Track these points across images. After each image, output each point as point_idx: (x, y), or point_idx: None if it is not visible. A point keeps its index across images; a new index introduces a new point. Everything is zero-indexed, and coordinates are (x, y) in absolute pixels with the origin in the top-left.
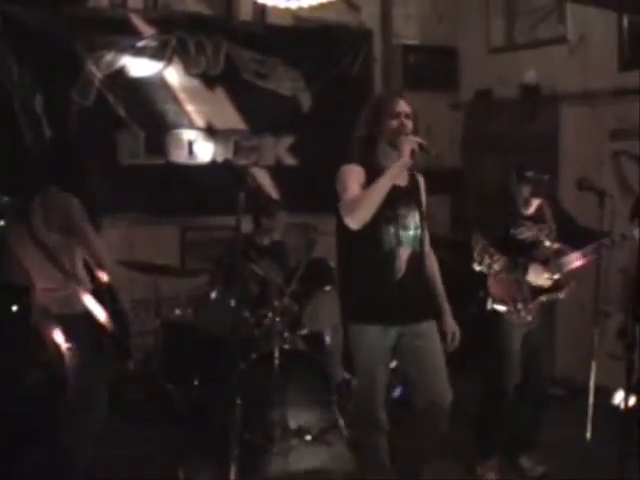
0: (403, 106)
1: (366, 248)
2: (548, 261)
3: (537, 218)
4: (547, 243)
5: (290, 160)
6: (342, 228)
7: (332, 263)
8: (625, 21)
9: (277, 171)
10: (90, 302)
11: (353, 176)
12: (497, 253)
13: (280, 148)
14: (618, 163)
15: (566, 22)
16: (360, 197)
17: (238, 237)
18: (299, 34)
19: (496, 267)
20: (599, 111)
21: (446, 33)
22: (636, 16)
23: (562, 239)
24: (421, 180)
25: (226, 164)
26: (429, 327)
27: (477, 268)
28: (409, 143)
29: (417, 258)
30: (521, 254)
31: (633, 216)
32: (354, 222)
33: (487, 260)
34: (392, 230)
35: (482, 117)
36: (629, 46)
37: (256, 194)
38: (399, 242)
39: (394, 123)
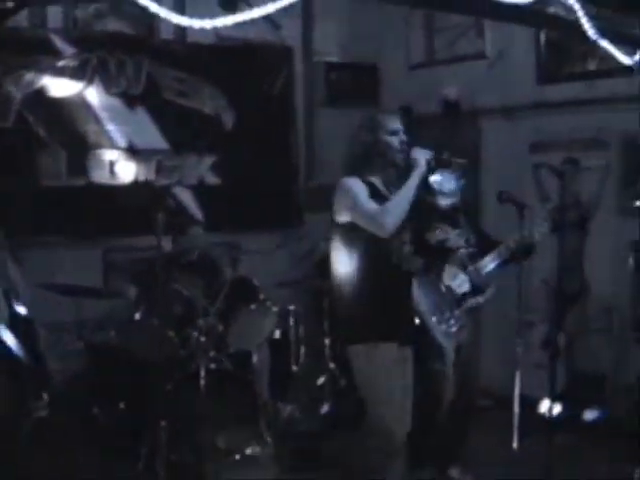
0: (398, 122)
1: (376, 265)
2: (465, 267)
3: (453, 222)
4: (463, 250)
5: (213, 179)
6: (344, 247)
7: (256, 281)
8: (542, 36)
9: (200, 190)
10: (5, 333)
11: (360, 189)
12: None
13: (203, 167)
14: (538, 175)
15: (484, 37)
16: (390, 207)
17: (159, 257)
18: (221, 52)
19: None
20: (519, 125)
21: (367, 50)
22: (554, 32)
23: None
24: None
25: (145, 184)
26: None
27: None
28: (423, 154)
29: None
30: (437, 258)
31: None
32: (387, 230)
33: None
34: (397, 245)
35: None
36: (547, 60)
37: (175, 213)
38: (403, 257)
39: (393, 140)
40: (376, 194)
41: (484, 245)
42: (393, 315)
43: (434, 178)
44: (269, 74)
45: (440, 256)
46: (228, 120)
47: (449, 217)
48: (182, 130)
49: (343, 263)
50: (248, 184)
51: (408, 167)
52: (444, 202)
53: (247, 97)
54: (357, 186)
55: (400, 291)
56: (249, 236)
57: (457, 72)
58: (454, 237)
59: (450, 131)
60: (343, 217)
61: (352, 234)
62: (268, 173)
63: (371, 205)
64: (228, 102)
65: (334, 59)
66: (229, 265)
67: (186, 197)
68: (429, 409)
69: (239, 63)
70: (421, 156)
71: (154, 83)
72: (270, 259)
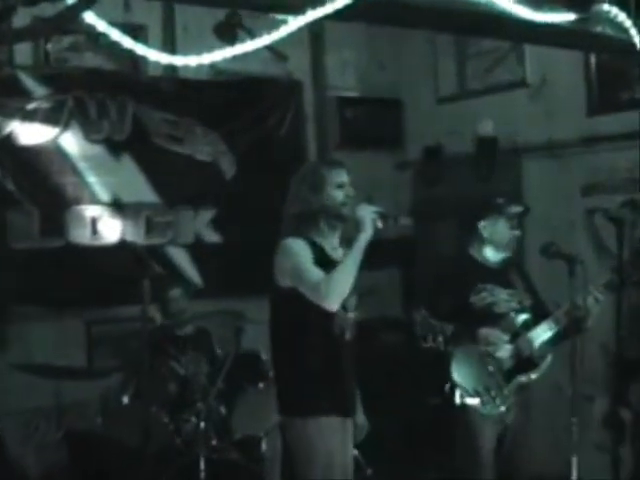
0: (345, 175)
1: (318, 334)
2: (517, 336)
3: (504, 282)
4: (515, 315)
5: (212, 236)
6: (283, 314)
7: (264, 355)
8: (592, 60)
9: (197, 250)
10: None
11: (304, 252)
12: (439, 323)
13: (200, 223)
14: (591, 222)
15: (525, 63)
16: (335, 277)
17: (150, 329)
18: (218, 89)
19: (440, 340)
20: (567, 163)
21: (388, 82)
22: (604, 55)
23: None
24: None
25: (132, 245)
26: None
27: (425, 345)
28: (369, 212)
29: (353, 343)
30: (479, 324)
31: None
32: (333, 304)
33: (429, 334)
34: (340, 314)
35: (433, 177)
36: (598, 88)
37: (164, 279)
38: (344, 326)
39: (339, 195)
40: (322, 258)
41: (539, 309)
42: (335, 386)
43: (484, 225)
44: (274, 113)
45: (486, 323)
46: (228, 168)
47: (499, 275)
48: (175, 181)
49: (282, 329)
50: (253, 242)
51: (358, 224)
52: (494, 256)
53: (250, 140)
54: (300, 249)
55: (342, 361)
56: (255, 303)
57: (493, 104)
58: (504, 299)
59: (486, 173)
60: (284, 281)
61: (293, 299)
62: (274, 230)
63: (315, 273)
64: (228, 147)
65: (350, 93)
66: (232, 337)
67: (181, 258)
68: None
69: (240, 101)
70: (366, 214)
71: (141, 127)
72: None
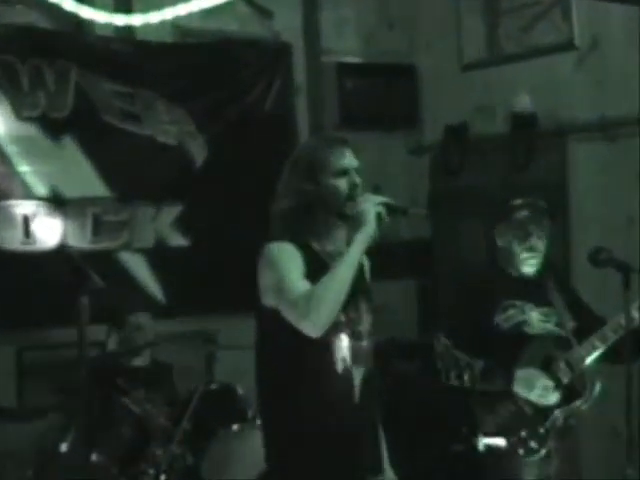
0: (350, 156)
1: (310, 367)
2: (551, 361)
3: (536, 296)
4: (550, 336)
5: (177, 239)
6: (269, 342)
7: (241, 390)
8: None
9: (158, 256)
10: None
11: (291, 261)
12: (467, 356)
13: (162, 223)
14: None
15: (572, 21)
16: (319, 291)
17: (95, 358)
18: (184, 54)
19: (466, 378)
20: (623, 147)
21: (400, 45)
22: None
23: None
24: (364, 260)
25: (62, 253)
26: None
27: (446, 382)
28: (373, 205)
29: (371, 381)
30: (508, 352)
31: None
32: (315, 327)
33: (453, 369)
34: (344, 341)
35: (456, 165)
36: None
37: (107, 294)
38: (354, 359)
39: (341, 183)
40: (318, 267)
41: (585, 322)
42: (340, 449)
43: (498, 231)
44: (256, 84)
45: (515, 348)
46: (198, 153)
47: (532, 288)
48: (131, 169)
49: (267, 363)
50: (229, 246)
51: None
52: (525, 265)
53: (225, 119)
54: (286, 255)
55: (350, 412)
56: (231, 323)
57: (532, 72)
58: (538, 319)
59: (523, 158)
60: (267, 299)
61: (279, 324)
62: (258, 230)
63: (297, 286)
64: (197, 126)
65: (351, 59)
66: (201, 367)
67: (138, 267)
68: None
69: (212, 69)
70: (369, 207)
71: (87, 101)
72: None
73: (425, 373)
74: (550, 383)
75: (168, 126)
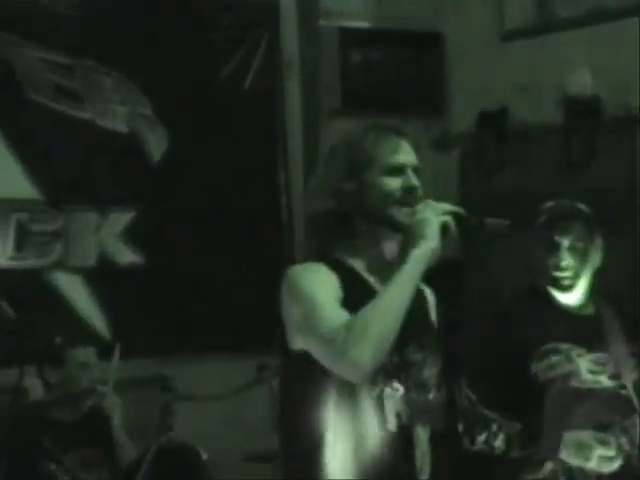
0: (408, 151)
1: (353, 424)
2: (608, 426)
3: (585, 338)
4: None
5: (127, 255)
6: (299, 388)
7: (204, 453)
8: None
9: (102, 277)
10: None
11: (324, 285)
12: (498, 417)
13: (107, 234)
14: None
15: None
16: (362, 321)
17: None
18: (139, 15)
19: (499, 444)
20: None
21: (422, 6)
22: None
23: None
24: (429, 293)
25: None
26: None
27: (472, 448)
28: (437, 214)
29: (440, 445)
30: (550, 413)
31: None
32: (358, 368)
33: (480, 431)
34: (399, 392)
35: (493, 162)
36: None
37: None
38: (416, 415)
39: (393, 183)
40: (360, 291)
41: None
42: None
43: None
44: (234, 55)
45: (559, 408)
46: (156, 144)
47: (580, 325)
48: (67, 164)
49: (296, 425)
50: (195, 266)
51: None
52: (570, 296)
53: (192, 99)
54: (317, 279)
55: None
56: (192, 366)
57: (594, 43)
58: (588, 368)
59: (580, 155)
60: (295, 340)
61: (311, 371)
62: (233, 244)
63: (331, 316)
64: (156, 110)
65: (358, 24)
66: (155, 422)
67: (75, 291)
68: None
69: (177, 36)
70: (431, 216)
71: (9, 74)
72: (231, 411)
73: (443, 435)
74: (610, 453)
75: (117, 107)
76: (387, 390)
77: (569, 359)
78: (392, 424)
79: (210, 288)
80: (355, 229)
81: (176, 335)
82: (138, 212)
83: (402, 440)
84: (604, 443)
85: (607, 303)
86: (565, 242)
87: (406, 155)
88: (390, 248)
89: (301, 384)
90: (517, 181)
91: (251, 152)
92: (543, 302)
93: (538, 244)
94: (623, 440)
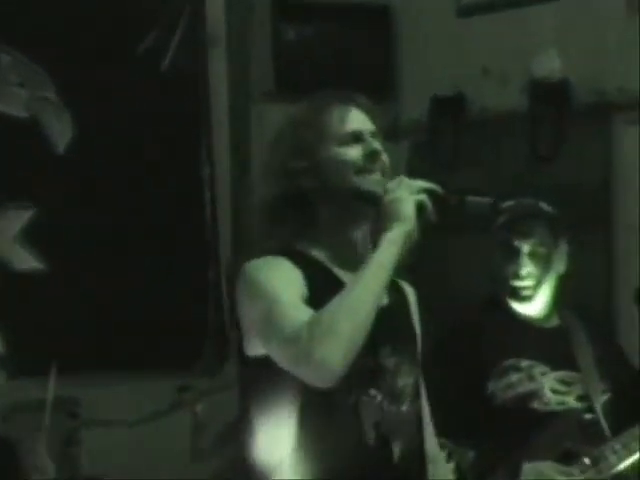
0: (360, 118)
1: (325, 438)
2: (572, 455)
3: (550, 353)
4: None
5: (26, 260)
6: (261, 400)
7: None
8: None
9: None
10: None
11: (286, 283)
12: (448, 443)
13: (3, 234)
14: None
15: None
16: (327, 315)
17: None
18: None
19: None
20: None
21: None
22: None
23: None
24: (410, 292)
25: None
26: None
27: None
28: (411, 192)
29: (417, 462)
30: (509, 437)
31: None
32: (323, 370)
33: None
34: (377, 400)
35: (447, 153)
36: None
37: None
38: (392, 428)
39: (351, 152)
40: (326, 284)
41: (628, 395)
42: None
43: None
44: (150, 30)
45: (519, 431)
46: (60, 132)
47: (543, 341)
48: None
49: (260, 437)
50: (104, 272)
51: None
52: (517, 301)
53: (102, 82)
54: (276, 274)
55: None
56: (101, 387)
57: (563, 19)
58: (552, 388)
59: (547, 145)
60: (253, 346)
61: (274, 380)
62: (149, 248)
63: (297, 315)
64: (60, 93)
65: None
66: (62, 452)
67: None
68: None
69: (85, 7)
70: (405, 195)
71: None
72: (147, 439)
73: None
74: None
75: (15, 89)
76: (364, 398)
77: (531, 377)
78: (371, 437)
79: (123, 297)
80: (316, 216)
81: (83, 351)
82: (38, 209)
83: (381, 456)
84: (569, 476)
85: (574, 315)
86: (525, 247)
87: (359, 122)
88: (358, 235)
89: (263, 395)
90: (475, 176)
91: (170, 142)
92: (502, 314)
93: (496, 249)
94: (591, 473)
